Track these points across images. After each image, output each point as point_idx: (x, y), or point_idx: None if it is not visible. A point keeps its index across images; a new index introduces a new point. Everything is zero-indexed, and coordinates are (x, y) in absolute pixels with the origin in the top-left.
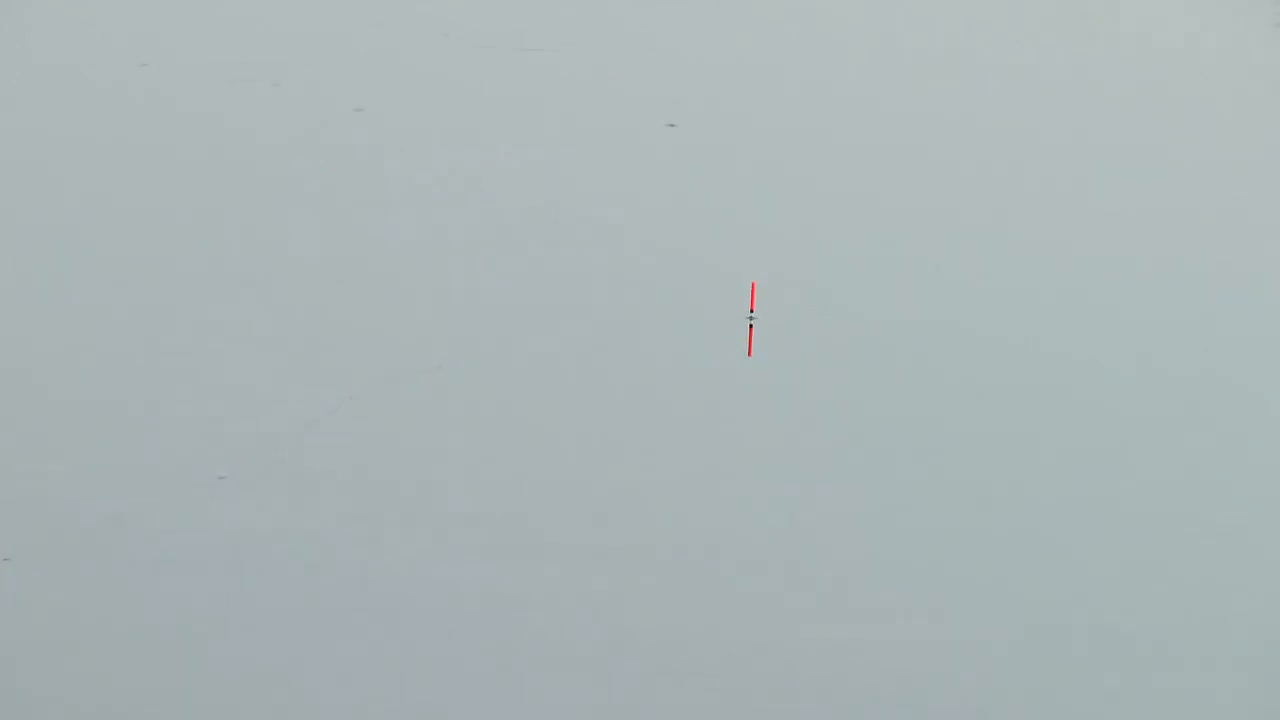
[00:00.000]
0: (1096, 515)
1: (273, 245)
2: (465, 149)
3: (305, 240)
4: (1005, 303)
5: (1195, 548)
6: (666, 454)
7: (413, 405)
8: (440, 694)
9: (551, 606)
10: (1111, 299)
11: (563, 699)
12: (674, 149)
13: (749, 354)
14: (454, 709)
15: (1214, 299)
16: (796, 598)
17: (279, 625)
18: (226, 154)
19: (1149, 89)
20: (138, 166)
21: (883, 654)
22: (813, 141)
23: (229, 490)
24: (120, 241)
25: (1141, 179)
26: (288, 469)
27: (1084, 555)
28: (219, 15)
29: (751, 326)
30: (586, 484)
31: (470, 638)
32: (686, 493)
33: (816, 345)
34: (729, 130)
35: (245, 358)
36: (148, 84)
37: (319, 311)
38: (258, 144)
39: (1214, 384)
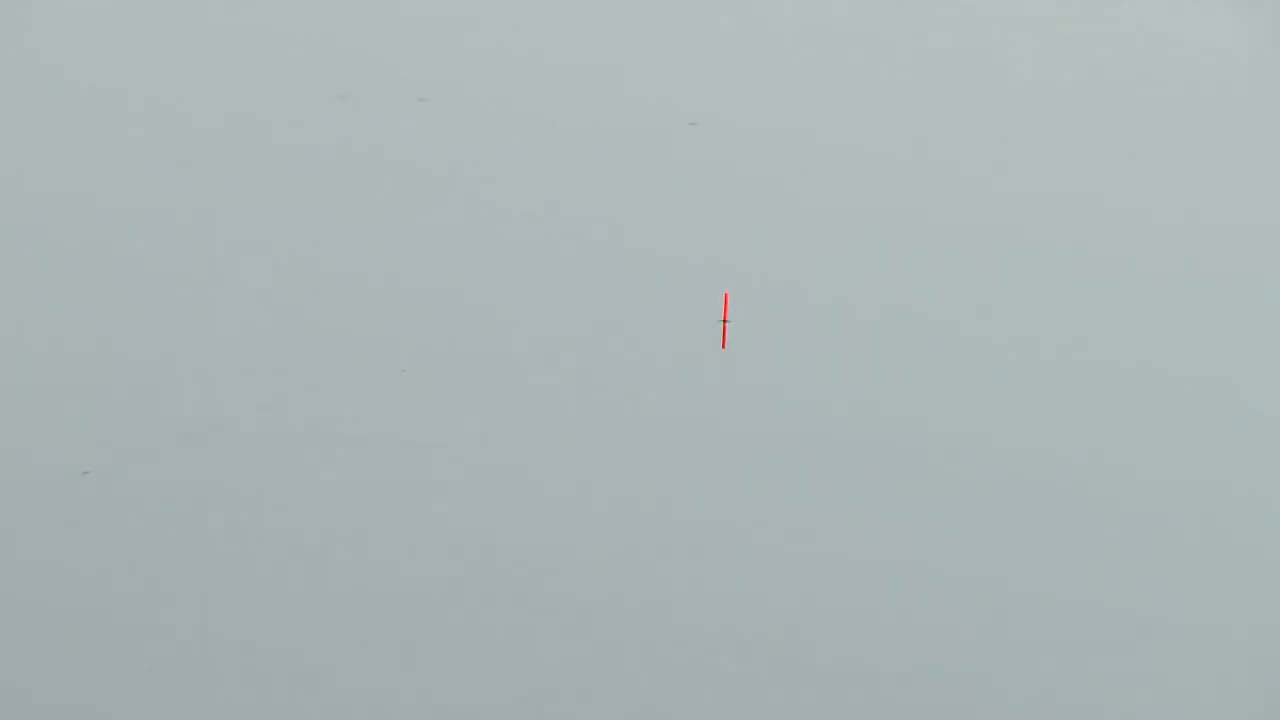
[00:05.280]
0: (1090, 514)
1: (268, 246)
2: (471, 147)
3: (315, 240)
4: (1009, 302)
5: (1193, 547)
6: (657, 448)
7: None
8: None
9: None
10: (1111, 298)
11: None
12: (691, 148)
13: (723, 346)
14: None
15: (1214, 298)
16: (783, 594)
17: (148, 622)
18: (220, 153)
19: (1149, 89)
20: (126, 165)
21: (870, 651)
22: (821, 142)
23: (91, 485)
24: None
25: (1142, 179)
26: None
27: (1075, 553)
28: (218, 16)
29: (725, 325)
30: (582, 480)
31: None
32: (683, 489)
33: (829, 342)
34: (744, 130)
35: (225, 353)
36: (147, 84)
37: (307, 310)
38: (254, 142)
39: (1214, 383)
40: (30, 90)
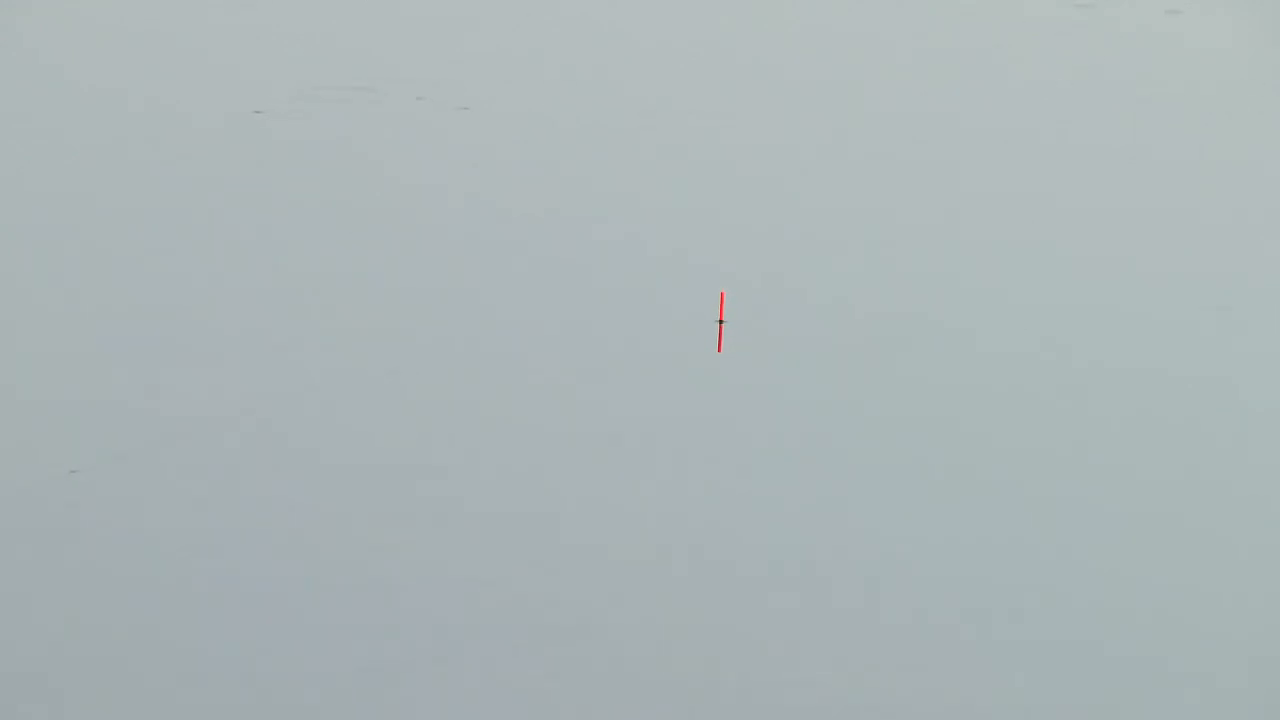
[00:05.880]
0: (1089, 515)
1: (266, 246)
2: (470, 147)
3: (314, 239)
4: (1009, 303)
5: (1193, 547)
6: (651, 450)
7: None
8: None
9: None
10: (1110, 299)
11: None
12: (691, 148)
13: (719, 349)
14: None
15: (1214, 298)
16: (782, 593)
17: (129, 622)
18: (219, 154)
19: (1149, 89)
20: (126, 165)
21: (869, 650)
22: (821, 142)
23: (80, 484)
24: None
25: (1142, 179)
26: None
27: (1075, 554)
28: (218, 16)
29: (721, 325)
30: (581, 480)
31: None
32: (680, 489)
33: (827, 343)
34: (743, 130)
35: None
36: (147, 84)
37: (299, 310)
38: (254, 142)
39: (1214, 383)
40: (30, 90)
